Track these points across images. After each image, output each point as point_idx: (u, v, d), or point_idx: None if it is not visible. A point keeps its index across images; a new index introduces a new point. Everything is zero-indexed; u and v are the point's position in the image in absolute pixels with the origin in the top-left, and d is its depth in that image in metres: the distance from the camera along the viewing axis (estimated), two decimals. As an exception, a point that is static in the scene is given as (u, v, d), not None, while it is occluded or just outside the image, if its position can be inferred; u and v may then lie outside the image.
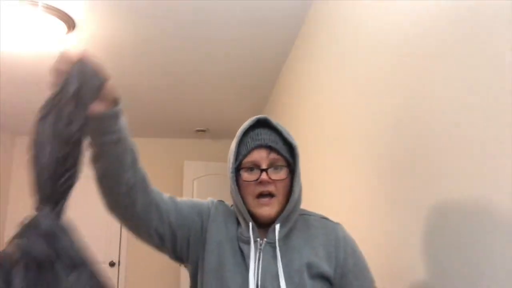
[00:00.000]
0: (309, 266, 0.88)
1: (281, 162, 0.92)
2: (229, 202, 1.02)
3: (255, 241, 0.90)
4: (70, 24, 2.20)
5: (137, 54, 2.67)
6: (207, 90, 3.38)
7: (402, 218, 1.04)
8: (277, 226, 0.90)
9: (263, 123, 0.96)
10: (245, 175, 0.92)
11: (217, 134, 4.91)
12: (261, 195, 0.91)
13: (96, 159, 0.82)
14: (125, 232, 4.73)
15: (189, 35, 2.40)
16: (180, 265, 3.07)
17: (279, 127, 0.95)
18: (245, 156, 0.92)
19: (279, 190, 0.91)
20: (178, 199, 0.96)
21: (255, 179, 0.90)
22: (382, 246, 1.16)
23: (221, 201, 1.02)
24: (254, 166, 0.91)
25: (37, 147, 0.61)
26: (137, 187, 0.85)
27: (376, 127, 1.24)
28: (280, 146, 0.93)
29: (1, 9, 2.02)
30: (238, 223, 0.95)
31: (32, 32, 2.26)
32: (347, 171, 1.51)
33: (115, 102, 0.80)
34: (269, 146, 0.91)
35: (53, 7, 2.04)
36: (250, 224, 0.91)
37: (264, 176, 0.89)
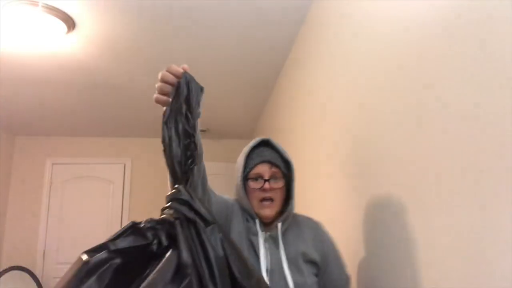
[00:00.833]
0: (303, 255, 1.14)
1: (280, 174, 1.19)
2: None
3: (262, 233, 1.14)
4: (70, 24, 2.20)
5: (137, 54, 2.67)
6: (207, 90, 3.36)
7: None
8: (279, 225, 1.16)
9: (266, 143, 1.22)
10: (252, 184, 1.17)
11: (217, 134, 4.91)
12: (263, 200, 1.16)
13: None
14: (125, 232, 4.73)
15: (189, 35, 2.40)
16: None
17: (279, 147, 1.21)
18: (252, 168, 1.18)
19: (277, 196, 1.17)
20: (216, 192, 1.15)
21: (260, 187, 1.16)
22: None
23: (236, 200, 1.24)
24: (259, 177, 1.17)
25: (168, 141, 0.81)
26: (205, 176, 1.02)
27: (376, 127, 1.24)
28: (279, 162, 1.19)
29: (1, 9, 2.02)
30: (245, 220, 1.18)
31: (32, 32, 2.27)
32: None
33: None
34: (271, 162, 1.18)
35: (53, 7, 2.05)
36: (257, 221, 1.16)
37: (266, 185, 1.15)
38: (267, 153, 1.19)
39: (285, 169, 1.20)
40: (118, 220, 4.69)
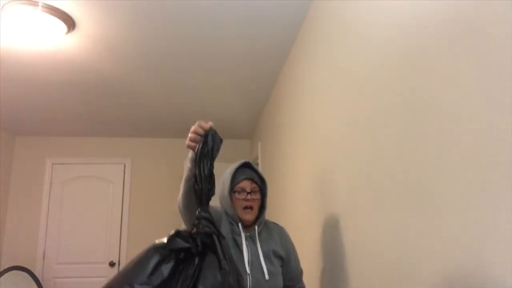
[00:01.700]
0: (273, 251, 1.53)
1: (257, 189, 1.58)
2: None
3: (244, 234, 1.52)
4: (70, 24, 2.20)
5: (136, 54, 2.67)
6: (207, 90, 3.38)
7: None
8: (256, 227, 1.55)
9: (247, 165, 1.60)
10: (237, 195, 1.55)
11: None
12: (246, 207, 1.54)
13: (189, 180, 1.31)
14: (125, 232, 4.74)
15: (189, 35, 2.40)
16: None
17: (257, 168, 1.61)
18: (237, 183, 1.56)
19: (255, 205, 1.56)
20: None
21: (243, 198, 1.54)
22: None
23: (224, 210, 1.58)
24: (242, 190, 1.55)
25: (199, 178, 1.15)
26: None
27: (376, 126, 1.23)
28: (257, 179, 1.59)
29: (1, 9, 2.02)
30: (229, 223, 1.53)
31: (32, 32, 2.27)
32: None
33: None
34: (252, 179, 1.57)
35: (53, 7, 2.05)
36: (240, 224, 1.53)
37: (249, 196, 1.55)
38: (248, 172, 1.58)
39: (262, 185, 1.59)
40: (118, 220, 4.69)
